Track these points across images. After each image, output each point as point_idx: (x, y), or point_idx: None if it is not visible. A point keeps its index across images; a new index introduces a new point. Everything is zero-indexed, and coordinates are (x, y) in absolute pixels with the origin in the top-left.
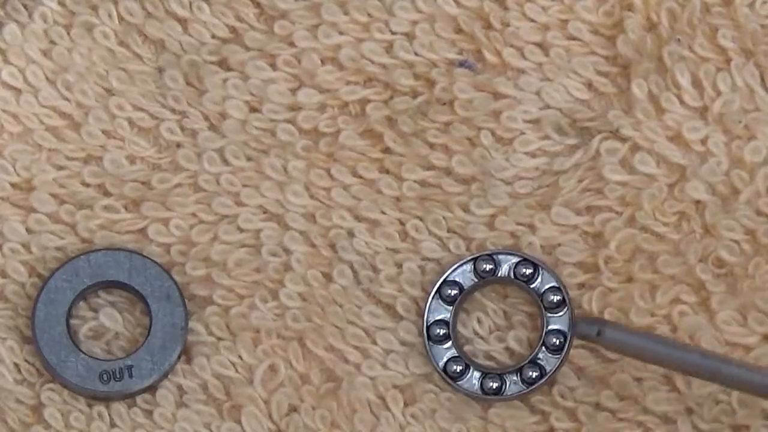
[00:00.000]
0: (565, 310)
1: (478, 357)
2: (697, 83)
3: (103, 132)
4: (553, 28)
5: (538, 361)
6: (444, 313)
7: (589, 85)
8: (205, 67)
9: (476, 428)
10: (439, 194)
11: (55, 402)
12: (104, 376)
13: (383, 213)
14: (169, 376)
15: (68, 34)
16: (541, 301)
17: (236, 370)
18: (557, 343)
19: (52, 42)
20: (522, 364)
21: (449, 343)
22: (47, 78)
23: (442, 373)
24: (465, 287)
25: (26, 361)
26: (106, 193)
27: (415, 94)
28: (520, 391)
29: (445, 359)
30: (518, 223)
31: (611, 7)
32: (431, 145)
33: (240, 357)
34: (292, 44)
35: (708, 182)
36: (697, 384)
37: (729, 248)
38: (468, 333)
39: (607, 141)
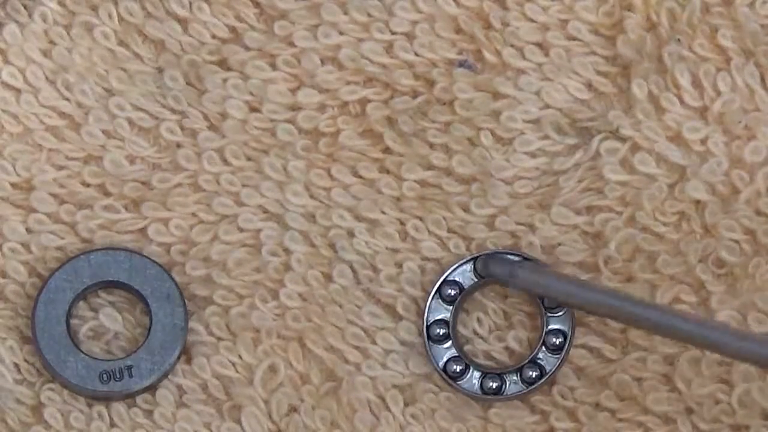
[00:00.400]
0: (565, 310)
1: (478, 357)
2: (697, 83)
3: (103, 132)
4: (553, 28)
5: (538, 361)
6: (444, 313)
7: (589, 85)
8: (205, 67)
9: (476, 428)
10: (439, 194)
11: (55, 402)
12: (104, 376)
13: (383, 213)
14: (169, 376)
15: (68, 34)
16: (542, 300)
17: (236, 370)
18: (557, 342)
19: (52, 42)
20: (522, 364)
21: (449, 343)
22: (47, 78)
23: (442, 373)
24: (465, 287)
25: (26, 361)
26: (106, 193)
27: (415, 94)
28: (520, 391)
29: (445, 359)
30: (518, 223)
31: (611, 7)
32: (431, 145)
33: (240, 357)
34: (292, 44)
35: (708, 182)
36: (697, 384)
37: (729, 248)
38: (468, 333)
39: (607, 141)
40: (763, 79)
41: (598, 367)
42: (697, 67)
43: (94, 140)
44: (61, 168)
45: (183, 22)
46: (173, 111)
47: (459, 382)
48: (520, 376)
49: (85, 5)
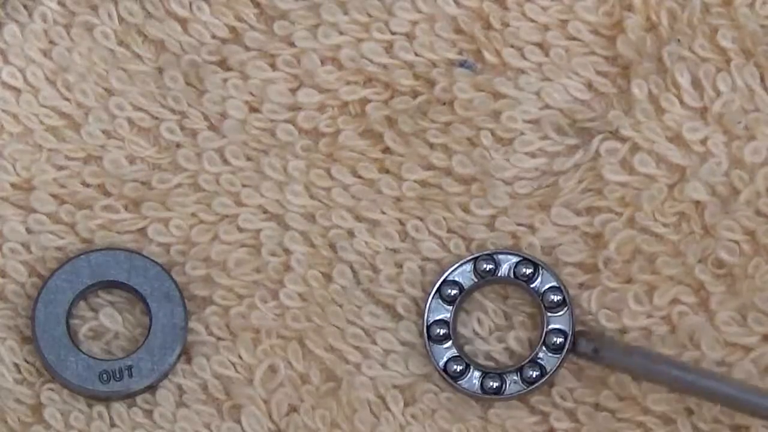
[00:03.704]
0: (566, 309)
1: (478, 357)
2: (697, 83)
3: (103, 132)
4: (553, 28)
5: (539, 361)
6: (444, 313)
7: (589, 85)
8: (205, 67)
9: (476, 428)
10: (439, 194)
11: (55, 402)
12: (104, 376)
13: (383, 213)
14: (169, 376)
15: (68, 34)
16: (542, 300)
17: (236, 370)
18: (558, 342)
19: (52, 42)
20: (522, 363)
21: (449, 343)
22: (47, 78)
23: (443, 373)
24: (465, 287)
25: (26, 361)
26: (106, 193)
27: (415, 94)
28: (519, 391)
29: (445, 359)
30: (518, 224)
31: (611, 7)
32: (431, 145)
33: (240, 357)
34: (292, 44)
35: (708, 182)
36: None
37: (729, 249)
38: (468, 333)
39: (607, 141)
40: (763, 79)
41: (597, 368)
42: (697, 68)
43: (94, 140)
44: (61, 168)
45: (183, 22)
46: (173, 111)
47: (459, 382)
48: (521, 375)
49: (85, 5)
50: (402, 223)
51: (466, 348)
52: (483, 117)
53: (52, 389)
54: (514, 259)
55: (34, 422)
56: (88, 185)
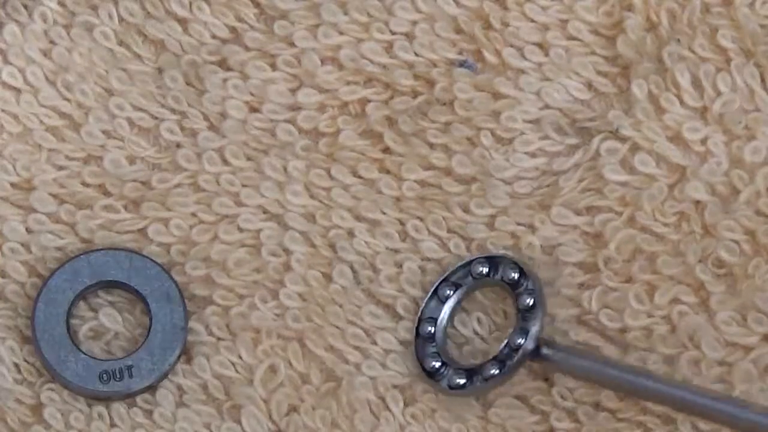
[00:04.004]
0: (538, 312)
1: (478, 357)
2: (697, 83)
3: (103, 132)
4: (553, 28)
5: (502, 360)
6: (437, 312)
7: (589, 85)
8: (205, 67)
9: (476, 428)
10: (439, 194)
11: (55, 402)
12: (104, 376)
13: (383, 213)
14: (169, 376)
15: (68, 34)
16: (517, 302)
17: (236, 370)
18: (518, 342)
19: (52, 42)
20: (485, 362)
21: (433, 342)
22: (47, 78)
23: (422, 370)
24: (461, 286)
25: (26, 361)
26: (106, 193)
27: (415, 94)
28: (479, 388)
29: (429, 357)
30: (518, 223)
31: (611, 7)
32: (431, 145)
33: (240, 357)
34: (292, 44)
35: (708, 182)
36: (697, 384)
37: (729, 248)
38: (468, 333)
39: (607, 141)
40: (763, 79)
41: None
42: (697, 67)
43: (94, 140)
44: (61, 168)
45: (183, 22)
46: (173, 111)
47: (438, 379)
48: (481, 374)
49: (85, 5)
50: (402, 223)
51: (465, 348)
52: (483, 117)
53: (52, 389)
54: (507, 262)
55: (34, 422)
56: (88, 185)
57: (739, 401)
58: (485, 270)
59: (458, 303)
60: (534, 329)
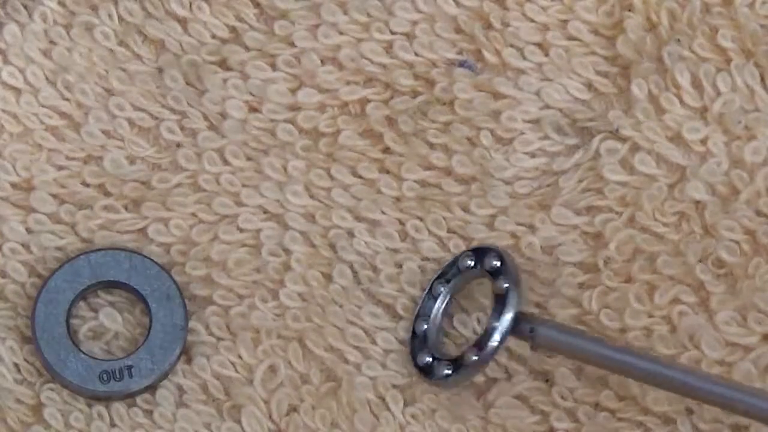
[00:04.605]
0: (513, 295)
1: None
2: (697, 83)
3: (103, 132)
4: (553, 28)
5: (482, 344)
6: (431, 309)
7: (589, 85)
8: (205, 67)
9: (476, 428)
10: (439, 194)
11: (55, 402)
12: (104, 376)
13: (383, 213)
14: (169, 376)
15: (68, 34)
16: (494, 287)
17: (236, 370)
18: (494, 325)
19: (52, 42)
20: (466, 349)
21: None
22: (47, 78)
23: (413, 364)
24: (452, 280)
25: (26, 361)
26: (106, 193)
27: (415, 94)
28: (463, 375)
29: (422, 354)
30: (518, 223)
31: (611, 7)
32: (431, 145)
33: (240, 357)
34: (292, 44)
35: (708, 182)
36: None
37: (729, 248)
38: (468, 333)
39: (607, 141)
40: (763, 79)
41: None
42: (697, 67)
43: (94, 140)
44: (61, 168)
45: (183, 22)
46: (173, 111)
47: (431, 375)
48: (464, 362)
49: (85, 5)
50: (402, 223)
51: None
52: (483, 117)
53: (52, 389)
54: (490, 252)
55: (34, 422)
56: (88, 185)
57: (714, 376)
58: (471, 263)
59: (450, 298)
60: (507, 310)
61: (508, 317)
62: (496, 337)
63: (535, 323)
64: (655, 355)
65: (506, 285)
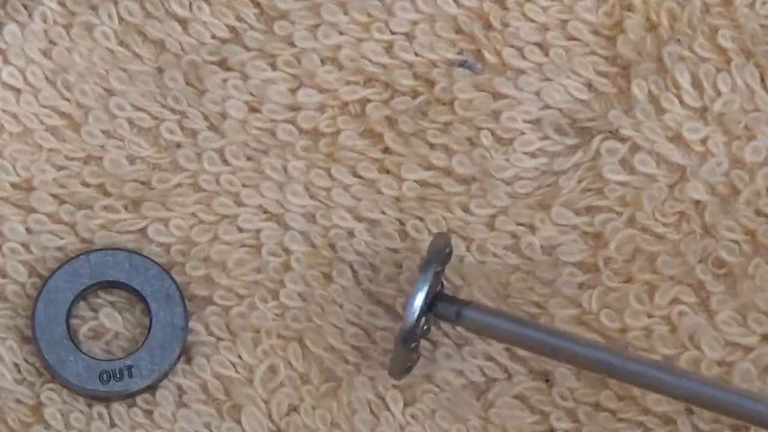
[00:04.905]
0: (428, 273)
1: (477, 357)
2: (697, 83)
3: (103, 132)
4: (553, 28)
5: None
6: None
7: (589, 85)
8: (205, 67)
9: (476, 428)
10: (439, 194)
11: (55, 402)
12: (104, 376)
13: (383, 213)
14: (169, 376)
15: (68, 34)
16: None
17: (236, 370)
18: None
19: (52, 42)
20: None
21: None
22: (47, 78)
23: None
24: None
25: (26, 361)
26: (106, 193)
27: (415, 94)
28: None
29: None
30: (518, 223)
31: (611, 7)
32: (431, 145)
33: (240, 357)
34: (292, 44)
35: (708, 182)
36: None
37: (729, 248)
38: (468, 333)
39: (607, 141)
40: (763, 79)
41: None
42: (697, 68)
43: (94, 140)
44: (61, 168)
45: (183, 22)
46: (173, 111)
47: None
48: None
49: (85, 5)
50: (402, 223)
51: (465, 348)
52: (483, 117)
53: (52, 389)
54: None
55: (34, 422)
56: (88, 185)
57: (661, 363)
58: (447, 250)
59: (428, 290)
60: (419, 287)
61: (419, 297)
62: (421, 317)
63: (460, 305)
64: (584, 338)
65: (439, 269)
